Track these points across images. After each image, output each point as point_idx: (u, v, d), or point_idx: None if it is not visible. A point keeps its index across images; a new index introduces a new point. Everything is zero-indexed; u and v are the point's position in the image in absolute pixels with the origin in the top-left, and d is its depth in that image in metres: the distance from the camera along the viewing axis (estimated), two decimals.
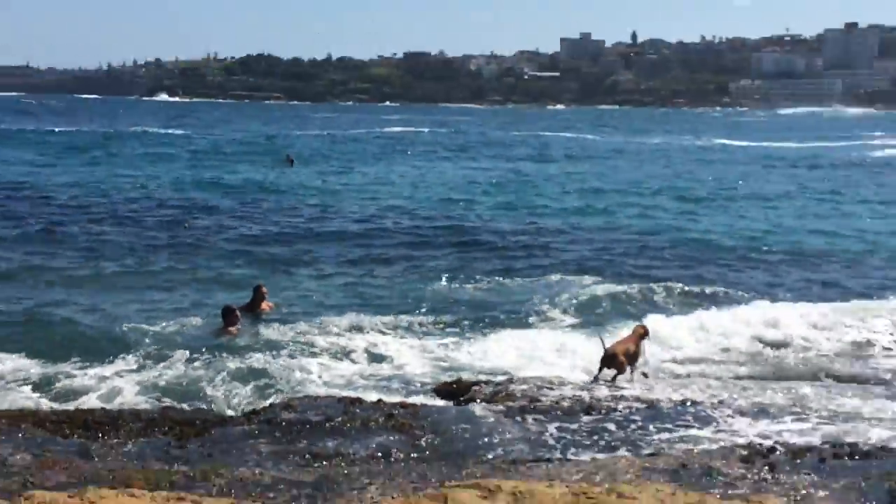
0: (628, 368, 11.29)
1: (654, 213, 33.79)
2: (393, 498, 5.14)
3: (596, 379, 11.32)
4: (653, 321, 13.81)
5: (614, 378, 11.17)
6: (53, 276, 19.53)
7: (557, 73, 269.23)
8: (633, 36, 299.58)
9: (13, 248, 22.69)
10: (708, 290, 18.82)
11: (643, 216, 32.67)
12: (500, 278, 20.28)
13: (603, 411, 8.97)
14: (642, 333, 11.99)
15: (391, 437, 8.23)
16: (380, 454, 7.66)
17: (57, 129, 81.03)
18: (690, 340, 14.29)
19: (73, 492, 4.59)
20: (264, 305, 16.19)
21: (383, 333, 15.27)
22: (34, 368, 12.57)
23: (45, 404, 11.18)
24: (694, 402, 9.57)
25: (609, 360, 11.36)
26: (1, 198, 32.17)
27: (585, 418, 8.77)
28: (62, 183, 37.92)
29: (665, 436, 8.31)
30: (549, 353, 13.53)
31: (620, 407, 9.07)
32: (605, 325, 15.17)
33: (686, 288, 18.64)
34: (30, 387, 11.79)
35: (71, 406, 10.80)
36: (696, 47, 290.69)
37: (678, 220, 32.05)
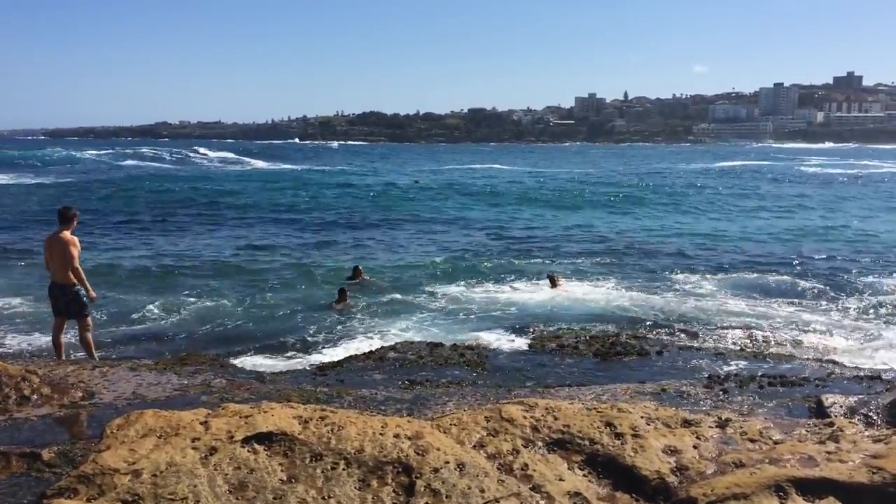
0: None
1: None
2: (464, 410, 5.10)
3: None
4: None
5: None
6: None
7: (573, 121, 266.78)
8: (625, 94, 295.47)
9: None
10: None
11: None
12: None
13: (609, 354, 8.86)
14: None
15: (462, 370, 8.24)
16: (455, 381, 7.67)
17: (313, 168, 74.99)
18: None
19: (253, 404, 4.65)
20: (361, 277, 16.46)
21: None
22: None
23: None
24: (670, 349, 9.39)
25: None
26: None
27: (596, 359, 8.69)
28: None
29: (650, 370, 8.20)
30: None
31: (619, 350, 8.95)
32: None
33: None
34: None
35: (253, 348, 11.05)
36: (668, 101, 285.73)
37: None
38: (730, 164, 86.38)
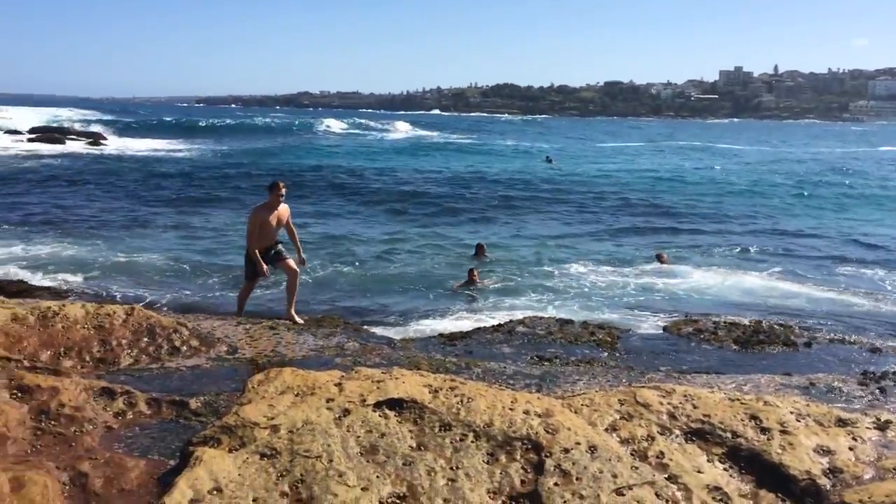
0: None
1: None
2: (595, 391, 4.96)
3: None
4: None
5: None
6: None
7: (716, 95, 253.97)
8: (775, 68, 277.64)
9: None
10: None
11: None
12: None
13: (751, 343, 8.38)
14: None
15: (593, 349, 8.04)
16: (585, 360, 7.50)
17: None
18: None
19: (384, 369, 4.71)
20: (484, 255, 16.35)
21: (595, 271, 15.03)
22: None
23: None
24: (819, 341, 8.75)
25: None
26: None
27: (736, 346, 8.24)
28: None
29: (797, 362, 7.68)
30: None
31: (763, 339, 8.44)
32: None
33: None
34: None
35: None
36: (823, 76, 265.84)
37: None
38: None
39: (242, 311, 9.21)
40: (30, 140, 50.29)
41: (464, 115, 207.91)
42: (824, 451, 3.96)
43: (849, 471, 3.83)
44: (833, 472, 3.82)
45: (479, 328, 9.28)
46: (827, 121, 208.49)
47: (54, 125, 60.69)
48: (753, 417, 4.17)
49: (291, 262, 8.99)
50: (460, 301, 12.57)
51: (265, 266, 8.77)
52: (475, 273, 13.91)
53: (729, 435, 4.04)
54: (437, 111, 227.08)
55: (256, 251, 8.73)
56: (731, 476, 3.79)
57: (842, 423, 4.29)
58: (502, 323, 9.28)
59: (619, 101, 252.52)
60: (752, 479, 3.78)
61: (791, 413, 4.26)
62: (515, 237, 20.11)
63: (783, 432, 4.05)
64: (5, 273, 13.17)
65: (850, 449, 4.03)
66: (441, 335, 8.73)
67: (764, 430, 4.07)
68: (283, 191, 8.83)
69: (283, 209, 8.92)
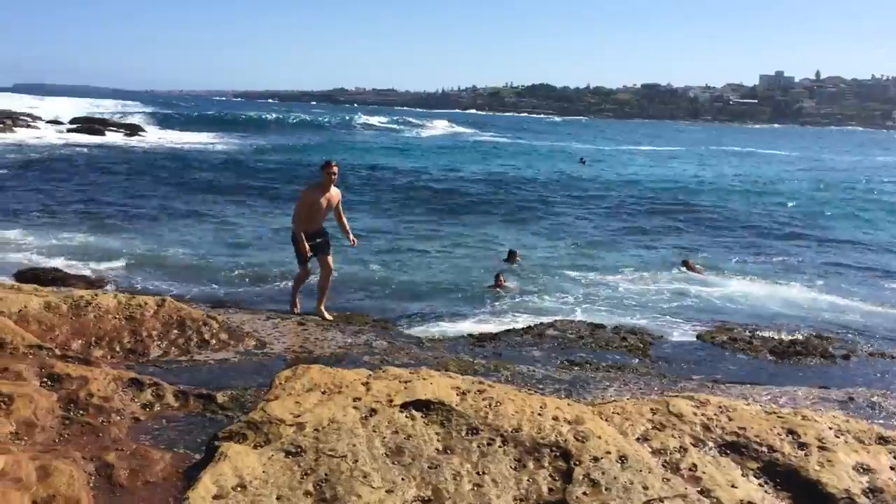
0: None
1: None
2: (626, 399, 4.87)
3: None
4: None
5: None
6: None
7: (755, 100, 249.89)
8: (817, 74, 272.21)
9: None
10: None
11: None
12: None
13: (788, 353, 8.18)
14: None
15: (624, 356, 7.93)
16: (616, 366, 7.39)
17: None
18: None
19: (412, 369, 4.67)
20: (516, 260, 16.17)
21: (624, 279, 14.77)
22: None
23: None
24: (858, 354, 8.52)
25: None
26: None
27: (772, 357, 8.06)
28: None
29: (835, 375, 7.49)
30: None
31: (800, 350, 8.25)
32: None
33: None
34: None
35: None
36: (867, 83, 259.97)
37: None
38: None
39: (296, 300, 8.95)
40: (70, 130, 51.22)
41: (499, 114, 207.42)
42: (864, 470, 3.83)
43: (889, 491, 3.71)
44: (873, 491, 3.70)
45: (508, 330, 9.19)
46: (869, 128, 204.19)
47: (95, 116, 61.75)
48: (791, 432, 4.05)
49: (330, 259, 8.88)
50: (489, 303, 12.48)
51: (307, 247, 8.57)
52: (501, 277, 13.83)
53: (765, 449, 3.93)
54: (472, 110, 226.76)
55: (301, 233, 8.55)
56: (766, 492, 3.68)
57: (883, 440, 4.15)
58: (532, 326, 9.19)
59: (657, 103, 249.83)
60: (787, 496, 3.67)
61: (830, 429, 4.14)
62: (547, 238, 19.96)
63: (822, 448, 3.93)
64: (28, 259, 13.39)
65: (892, 468, 3.90)
66: (470, 336, 8.66)
67: (801, 446, 3.95)
68: (335, 170, 8.62)
69: (335, 192, 8.71)
